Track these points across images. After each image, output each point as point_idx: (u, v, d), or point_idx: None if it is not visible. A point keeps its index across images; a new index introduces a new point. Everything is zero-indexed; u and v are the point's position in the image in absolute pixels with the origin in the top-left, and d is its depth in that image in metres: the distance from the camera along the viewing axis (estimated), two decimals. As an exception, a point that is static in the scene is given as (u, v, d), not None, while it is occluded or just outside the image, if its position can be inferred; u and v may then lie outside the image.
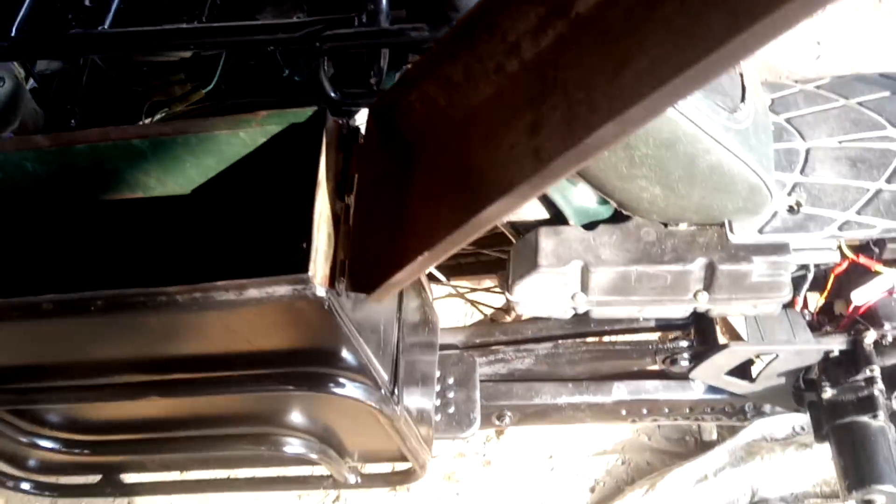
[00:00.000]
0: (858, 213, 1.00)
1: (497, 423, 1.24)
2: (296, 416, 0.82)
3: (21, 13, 0.78)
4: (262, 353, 0.70)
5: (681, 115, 0.86)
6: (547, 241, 1.06)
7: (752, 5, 0.37)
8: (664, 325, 1.21)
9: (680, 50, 0.40)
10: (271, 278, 0.59)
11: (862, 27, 2.08)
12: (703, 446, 1.48)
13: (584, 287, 1.06)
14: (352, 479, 0.90)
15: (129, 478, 0.98)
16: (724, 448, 1.46)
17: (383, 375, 0.74)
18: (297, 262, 0.58)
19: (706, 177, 0.93)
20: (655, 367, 1.22)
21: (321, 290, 0.60)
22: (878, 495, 1.03)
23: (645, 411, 1.24)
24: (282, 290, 0.59)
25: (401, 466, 0.92)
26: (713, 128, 0.89)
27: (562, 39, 0.53)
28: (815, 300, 1.15)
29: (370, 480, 0.93)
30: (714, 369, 1.14)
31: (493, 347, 1.22)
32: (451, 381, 1.17)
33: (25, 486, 0.95)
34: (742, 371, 1.16)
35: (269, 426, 0.82)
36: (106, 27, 0.78)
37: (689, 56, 0.40)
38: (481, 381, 1.20)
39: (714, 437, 1.47)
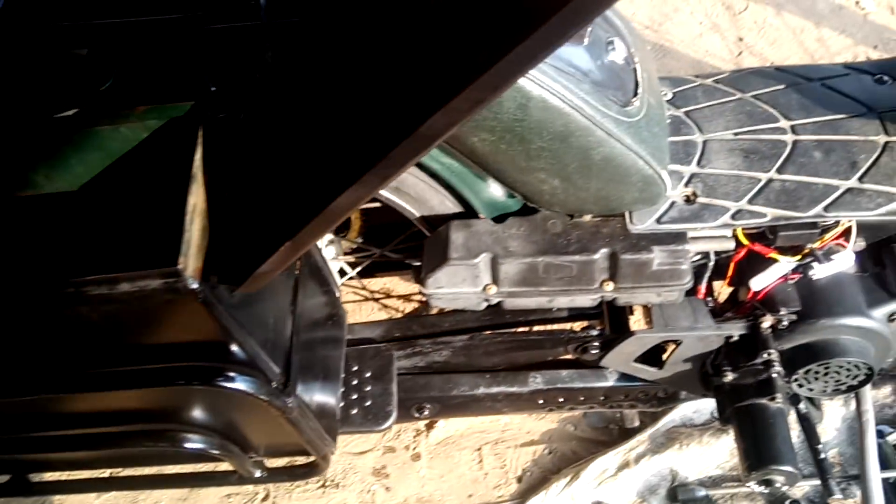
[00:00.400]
0: (750, 202, 1.03)
1: (416, 415, 1.25)
2: (196, 413, 0.83)
3: None
4: (149, 347, 0.70)
5: (571, 108, 0.88)
6: (457, 234, 1.08)
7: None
8: (576, 315, 1.23)
9: (500, 37, 0.42)
10: (142, 272, 0.59)
11: (783, 24, 2.14)
12: (626, 434, 1.51)
13: (495, 279, 1.08)
14: (257, 473, 0.91)
15: (37, 477, 0.97)
16: (646, 435, 1.49)
17: (273, 368, 0.74)
18: (169, 256, 0.59)
19: (601, 168, 0.95)
20: (569, 357, 1.24)
21: (194, 283, 0.60)
22: (776, 475, 1.07)
23: (561, 400, 1.26)
24: (154, 283, 0.60)
25: (306, 460, 0.93)
26: (604, 121, 0.91)
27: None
28: (719, 288, 1.19)
29: (275, 475, 0.93)
30: (623, 356, 1.16)
31: (411, 341, 1.23)
32: (367, 374, 1.18)
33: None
34: (652, 358, 1.19)
35: (169, 423, 0.82)
36: (-9, 25, 0.78)
37: (511, 40, 0.41)
38: (400, 374, 1.21)
39: (636, 424, 1.50)
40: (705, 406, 1.51)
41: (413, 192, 1.10)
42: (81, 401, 0.78)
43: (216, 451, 0.84)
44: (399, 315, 1.57)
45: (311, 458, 0.91)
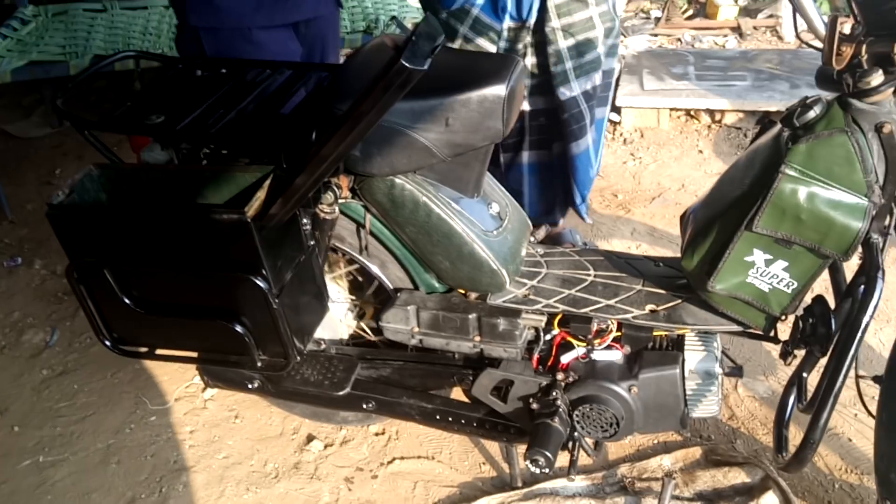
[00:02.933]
0: (554, 302, 1.83)
1: (364, 406, 2.03)
2: (240, 311, 1.69)
3: (191, 118, 1.81)
4: (227, 256, 1.61)
5: (453, 221, 1.78)
6: (403, 294, 1.95)
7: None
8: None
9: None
10: (233, 210, 1.52)
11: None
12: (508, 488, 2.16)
13: (418, 322, 1.92)
14: (258, 363, 1.75)
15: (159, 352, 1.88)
16: (520, 493, 2.12)
17: (275, 284, 1.62)
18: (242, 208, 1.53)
19: (468, 258, 1.81)
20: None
21: (247, 219, 1.53)
22: (539, 456, 1.74)
23: (450, 419, 2.00)
24: (235, 216, 1.53)
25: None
26: (470, 231, 1.79)
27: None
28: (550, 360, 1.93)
29: (265, 366, 1.77)
30: (481, 388, 1.92)
31: (370, 360, 2.06)
32: (340, 367, 2.01)
33: (108, 343, 1.85)
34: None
35: (227, 315, 1.70)
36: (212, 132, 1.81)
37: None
38: (359, 379, 2.03)
39: (519, 484, 2.14)
40: (572, 485, 2.14)
41: (389, 271, 2.00)
42: (186, 285, 1.69)
43: (247, 338, 1.70)
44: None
45: (283, 360, 1.75)
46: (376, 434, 2.40)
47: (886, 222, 1.54)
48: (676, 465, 2.20)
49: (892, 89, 1.45)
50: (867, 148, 1.47)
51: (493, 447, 2.29)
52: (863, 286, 1.52)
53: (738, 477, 2.12)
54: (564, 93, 2.46)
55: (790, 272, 1.58)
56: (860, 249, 1.54)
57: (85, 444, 2.45)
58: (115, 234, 1.69)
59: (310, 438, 2.39)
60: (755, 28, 5.24)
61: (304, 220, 1.74)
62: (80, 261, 1.72)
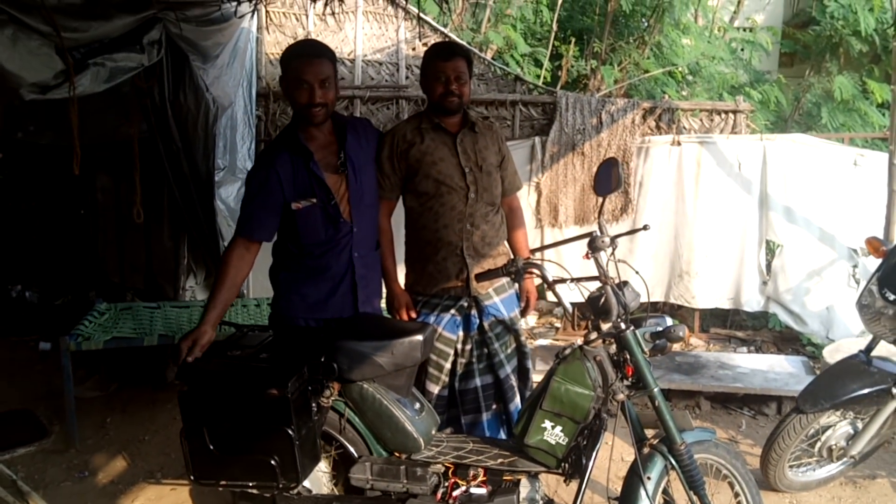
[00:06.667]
0: (449, 458, 3.13)
1: (337, 532, 3.20)
2: (273, 450, 2.94)
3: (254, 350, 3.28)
4: (272, 414, 2.90)
5: (395, 409, 3.15)
6: (363, 458, 3.23)
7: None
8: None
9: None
10: (280, 387, 2.86)
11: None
12: None
13: (371, 474, 3.18)
14: (280, 484, 2.96)
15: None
16: None
17: (298, 434, 2.90)
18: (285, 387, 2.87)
19: (401, 431, 3.13)
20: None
21: (288, 394, 2.86)
22: None
23: (387, 537, 3.16)
24: (281, 391, 2.87)
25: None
26: (401, 414, 3.15)
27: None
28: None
29: (283, 489, 2.97)
30: (406, 512, 3.13)
31: (342, 500, 3.26)
32: None
33: (192, 476, 3.05)
34: (419, 521, 3.13)
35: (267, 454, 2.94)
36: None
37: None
38: (335, 512, 3.23)
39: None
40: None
41: (355, 444, 3.29)
42: (246, 436, 2.95)
43: (277, 468, 2.93)
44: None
45: (294, 484, 2.96)
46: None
47: (607, 406, 2.97)
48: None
49: (600, 341, 2.98)
50: (591, 368, 2.96)
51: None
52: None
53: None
54: (501, 373, 3.63)
55: (563, 432, 2.96)
56: (595, 419, 2.95)
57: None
58: (210, 409, 3.03)
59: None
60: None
61: (313, 405, 3.10)
62: (189, 424, 3.03)
